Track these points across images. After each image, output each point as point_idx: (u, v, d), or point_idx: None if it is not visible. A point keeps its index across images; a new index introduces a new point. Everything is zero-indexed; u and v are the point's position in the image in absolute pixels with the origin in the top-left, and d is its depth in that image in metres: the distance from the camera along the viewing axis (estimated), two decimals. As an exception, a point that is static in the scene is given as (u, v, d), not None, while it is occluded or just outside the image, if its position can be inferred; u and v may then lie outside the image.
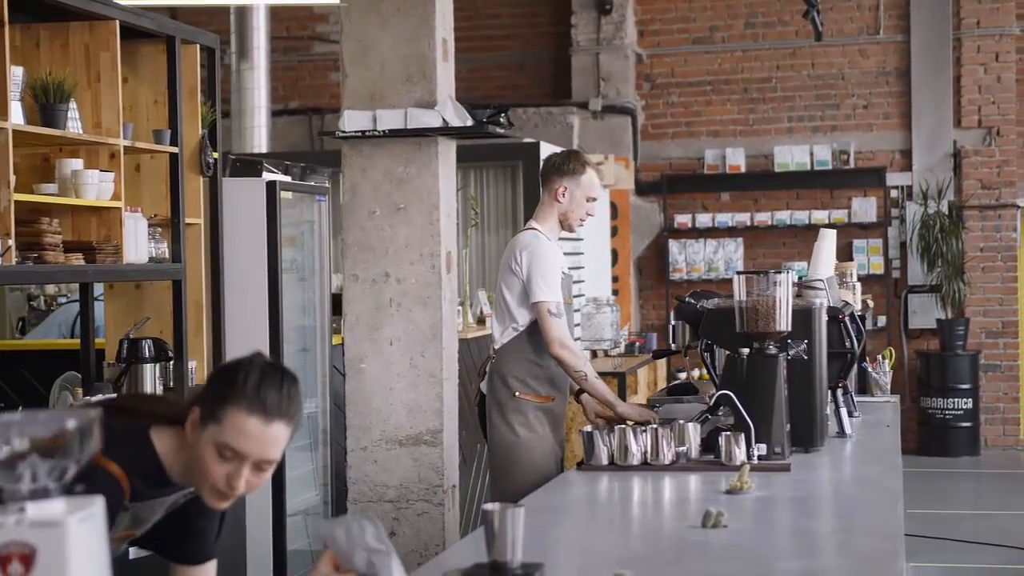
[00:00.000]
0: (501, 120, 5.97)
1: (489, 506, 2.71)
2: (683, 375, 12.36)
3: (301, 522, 6.60)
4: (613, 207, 12.25)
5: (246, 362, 2.58)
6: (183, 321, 5.57)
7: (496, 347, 5.25)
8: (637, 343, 11.09)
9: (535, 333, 5.14)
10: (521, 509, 2.71)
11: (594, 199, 5.29)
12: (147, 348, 5.35)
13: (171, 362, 5.50)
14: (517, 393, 5.15)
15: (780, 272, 4.39)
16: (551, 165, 5.30)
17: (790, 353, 4.43)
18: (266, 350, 6.18)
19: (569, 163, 5.26)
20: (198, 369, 5.78)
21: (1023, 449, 12.42)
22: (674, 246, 12.77)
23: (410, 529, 5.60)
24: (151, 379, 5.35)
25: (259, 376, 2.55)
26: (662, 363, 11.11)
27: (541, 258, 5.09)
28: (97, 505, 1.78)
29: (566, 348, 5.03)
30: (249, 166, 6.47)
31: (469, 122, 5.70)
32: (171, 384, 5.53)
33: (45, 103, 4.75)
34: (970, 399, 12.09)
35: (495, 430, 5.20)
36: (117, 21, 5.12)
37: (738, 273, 4.43)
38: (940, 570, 7.95)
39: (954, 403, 12.06)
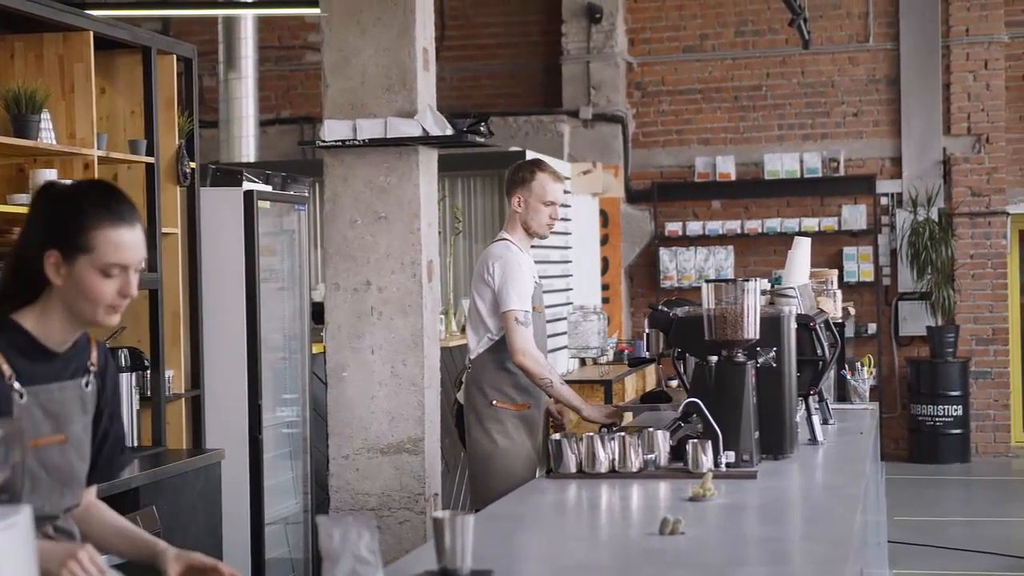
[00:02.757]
0: (481, 129, 5.99)
1: (438, 514, 2.73)
2: (675, 383, 12.37)
3: (281, 530, 6.61)
4: (604, 215, 12.28)
5: (79, 189, 2.71)
6: (160, 330, 5.59)
7: (472, 357, 5.35)
8: (626, 351, 11.10)
9: None
10: (471, 517, 2.73)
11: (551, 203, 5.36)
12: (123, 357, 5.36)
13: (147, 371, 5.51)
14: (494, 402, 5.25)
15: (748, 280, 4.40)
16: (507, 177, 5.45)
17: (759, 361, 4.45)
18: (244, 359, 6.21)
19: (519, 172, 5.39)
20: (175, 378, 5.79)
21: (1013, 456, 12.43)
22: (665, 254, 12.79)
23: (392, 537, 5.61)
24: (127, 389, 5.35)
25: (99, 196, 2.67)
26: (651, 371, 11.12)
27: (513, 268, 5.19)
28: (23, 514, 1.80)
29: (528, 356, 5.12)
30: (230, 176, 6.48)
31: (449, 131, 5.72)
32: (148, 394, 5.54)
33: (17, 114, 4.77)
34: (960, 406, 12.09)
35: (473, 439, 5.28)
36: (91, 32, 5.14)
37: (707, 281, 4.45)
38: (926, 577, 7.96)
39: (944, 410, 12.06)
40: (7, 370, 2.63)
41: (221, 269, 6.11)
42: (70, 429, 2.73)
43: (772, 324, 4.52)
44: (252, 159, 10.32)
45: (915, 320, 12.41)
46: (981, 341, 12.42)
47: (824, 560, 3.02)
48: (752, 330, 4.37)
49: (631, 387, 9.86)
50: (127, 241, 2.67)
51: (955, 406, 12.07)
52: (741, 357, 4.38)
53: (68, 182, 2.76)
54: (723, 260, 12.70)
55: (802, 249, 5.51)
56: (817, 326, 4.99)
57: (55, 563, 2.54)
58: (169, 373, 5.70)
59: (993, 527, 9.53)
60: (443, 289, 8.57)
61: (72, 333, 2.74)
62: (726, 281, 4.42)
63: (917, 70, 12.46)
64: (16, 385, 2.63)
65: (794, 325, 4.68)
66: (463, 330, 7.97)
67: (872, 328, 12.38)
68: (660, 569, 2.97)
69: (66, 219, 2.66)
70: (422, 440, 5.71)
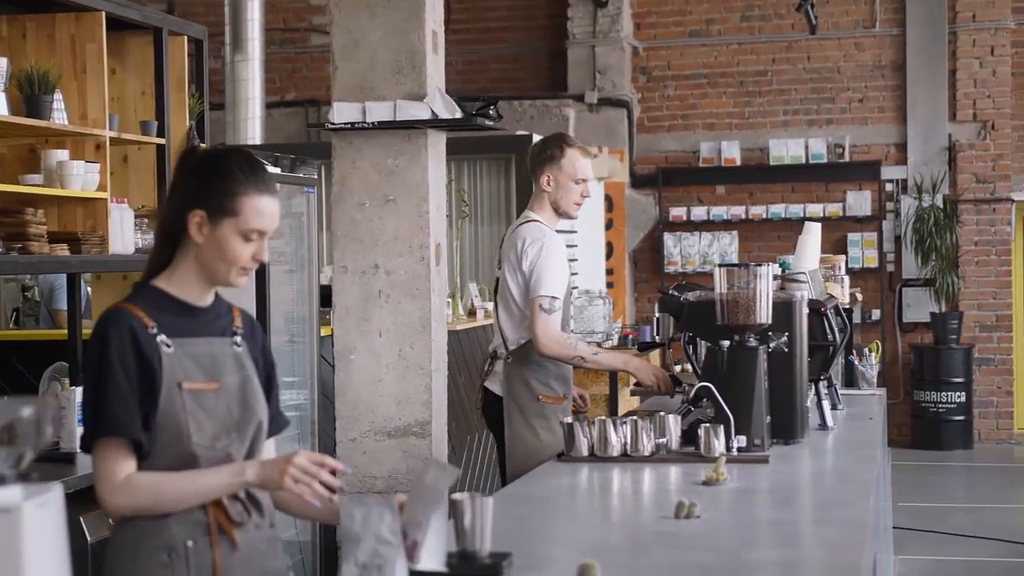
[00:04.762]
0: (490, 113, 5.98)
1: (458, 496, 2.73)
2: (678, 368, 12.39)
3: (288, 512, 6.61)
4: (608, 200, 12.27)
5: (228, 154, 2.85)
6: (170, 312, 5.58)
7: (511, 347, 5.12)
8: (631, 335, 11.11)
9: None
10: (490, 499, 2.74)
11: (583, 180, 5.15)
12: (134, 339, 5.36)
13: (158, 353, 5.50)
14: (541, 397, 5.06)
15: (761, 265, 4.40)
16: (533, 154, 5.24)
17: (770, 345, 4.45)
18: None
19: (547, 149, 5.18)
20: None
21: (1016, 443, 12.45)
22: (669, 239, 12.79)
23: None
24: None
25: (246, 163, 2.82)
26: (655, 355, 11.13)
27: (549, 253, 5.00)
28: (55, 492, 1.80)
29: (551, 343, 4.93)
30: (239, 157, 6.46)
31: (458, 114, 5.71)
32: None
33: (30, 94, 4.76)
34: (963, 392, 12.11)
35: (516, 434, 5.09)
36: (103, 12, 5.14)
37: (719, 266, 4.44)
38: (930, 563, 7.97)
39: (947, 396, 12.08)
40: (150, 323, 2.76)
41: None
42: (223, 380, 2.83)
43: (784, 309, 4.52)
44: (258, 141, 10.30)
45: (919, 306, 12.42)
46: (984, 328, 12.43)
47: (841, 545, 3.02)
48: (764, 315, 4.37)
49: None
50: (269, 209, 2.81)
51: (958, 393, 12.08)
52: (753, 342, 4.38)
53: (211, 148, 2.91)
54: (727, 245, 12.70)
55: (812, 234, 5.50)
56: (828, 311, 5.00)
57: (273, 479, 2.72)
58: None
59: (995, 514, 9.54)
60: (449, 273, 8.58)
61: (205, 291, 2.86)
62: (738, 266, 4.42)
63: (923, 56, 12.45)
64: (162, 336, 2.76)
65: (806, 310, 4.67)
66: (470, 314, 7.97)
67: (876, 314, 12.39)
68: (677, 552, 2.98)
69: (216, 182, 2.79)
70: (429, 423, 5.71)
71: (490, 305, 8.23)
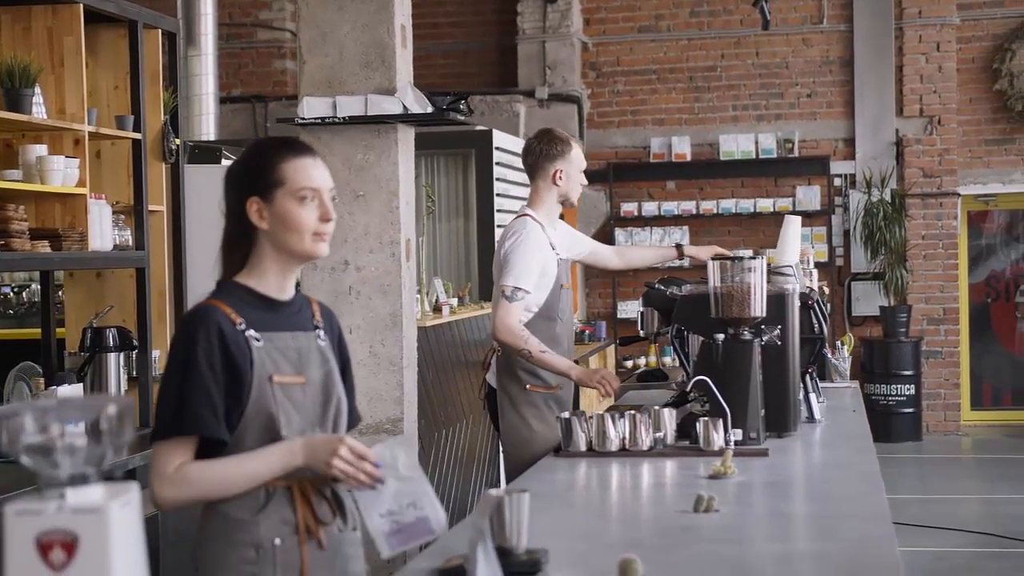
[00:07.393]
0: (461, 107, 5.95)
1: (495, 492, 2.71)
2: (629, 363, 12.43)
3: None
4: (560, 195, 12.24)
5: (257, 143, 2.90)
6: (147, 309, 5.50)
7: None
8: (587, 331, 11.14)
9: (539, 323, 5.07)
10: (526, 495, 2.71)
11: (584, 168, 5.34)
12: (111, 337, 5.28)
13: (135, 351, 5.42)
14: (528, 386, 5.09)
15: (755, 258, 4.41)
16: (538, 153, 5.24)
17: (764, 338, 4.46)
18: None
19: (556, 146, 5.22)
20: (162, 358, 5.70)
21: (963, 434, 12.60)
22: (620, 234, 12.81)
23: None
24: (115, 368, 5.27)
25: (278, 140, 2.89)
26: (611, 351, 11.17)
27: (522, 243, 5.03)
28: (134, 491, 1.76)
29: (503, 331, 4.96)
30: (208, 153, 6.40)
31: (429, 109, 5.68)
32: (135, 374, 5.46)
33: (10, 88, 4.66)
34: (912, 385, 12.23)
35: (509, 425, 5.11)
36: (81, 5, 5.04)
37: (713, 259, 4.44)
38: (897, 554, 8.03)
39: (897, 389, 12.20)
40: (237, 318, 2.77)
41: (206, 247, 6.01)
42: (309, 374, 2.83)
43: (777, 302, 4.53)
44: (212, 137, 10.17)
45: (868, 300, 12.53)
46: (932, 321, 12.56)
47: (871, 538, 3.01)
48: (759, 308, 4.37)
49: (596, 366, 9.87)
50: (310, 167, 2.82)
51: (907, 385, 12.20)
52: (747, 335, 4.39)
53: (249, 146, 2.91)
54: (679, 240, 12.73)
55: (793, 227, 5.51)
56: (815, 304, 5.02)
57: (320, 461, 2.68)
58: (156, 352, 5.62)
59: (948, 504, 9.65)
60: (416, 269, 8.53)
61: (286, 277, 2.86)
62: (733, 259, 4.42)
63: (870, 52, 12.56)
64: (251, 331, 2.76)
65: (797, 303, 4.69)
66: (436, 310, 7.93)
67: (826, 308, 12.47)
68: (709, 546, 2.97)
69: (254, 167, 2.82)
70: (401, 420, 5.69)
71: (455, 301, 8.23)
